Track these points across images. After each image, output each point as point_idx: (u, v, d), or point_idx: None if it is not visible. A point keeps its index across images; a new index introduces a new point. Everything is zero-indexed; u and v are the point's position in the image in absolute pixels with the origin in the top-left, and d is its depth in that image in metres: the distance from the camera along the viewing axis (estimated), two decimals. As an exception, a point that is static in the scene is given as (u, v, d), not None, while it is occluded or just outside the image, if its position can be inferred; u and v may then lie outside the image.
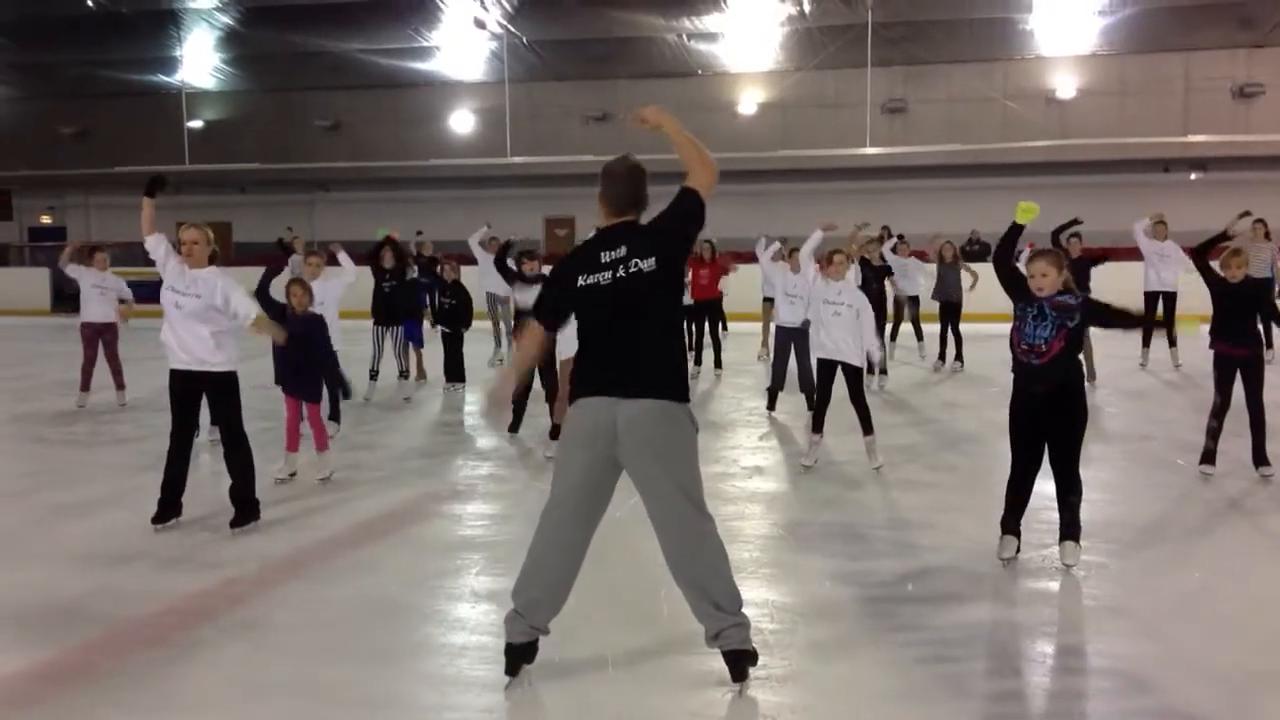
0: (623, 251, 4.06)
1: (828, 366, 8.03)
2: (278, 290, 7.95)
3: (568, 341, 4.71)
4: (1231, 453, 7.78)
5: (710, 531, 4.09)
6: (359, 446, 9.09)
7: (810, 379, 10.34)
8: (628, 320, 4.04)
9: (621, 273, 4.04)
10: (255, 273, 8.18)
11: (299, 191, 28.28)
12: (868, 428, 8.00)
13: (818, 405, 8.15)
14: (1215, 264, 7.72)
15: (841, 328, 7.93)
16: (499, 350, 14.83)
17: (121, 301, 11.23)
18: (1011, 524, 5.71)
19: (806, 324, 9.98)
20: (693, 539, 4.06)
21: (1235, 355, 7.47)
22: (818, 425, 8.13)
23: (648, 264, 4.03)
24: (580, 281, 4.09)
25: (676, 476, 4.03)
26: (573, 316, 4.22)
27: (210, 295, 6.32)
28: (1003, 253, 5.80)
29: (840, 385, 7.97)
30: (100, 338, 11.16)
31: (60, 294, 24.19)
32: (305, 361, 7.77)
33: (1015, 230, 5.76)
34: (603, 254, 4.09)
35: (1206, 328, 7.32)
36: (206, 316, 6.33)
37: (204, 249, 6.45)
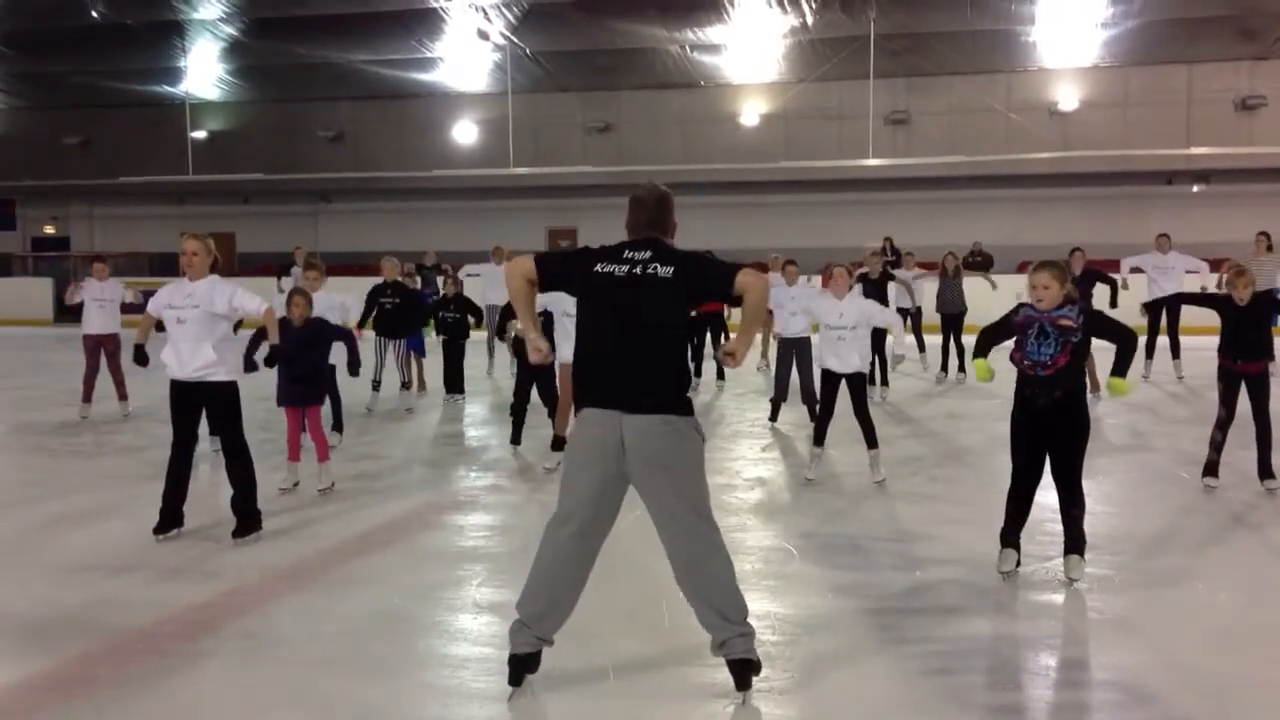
0: (647, 255, 4.12)
1: (831, 379, 8.01)
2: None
3: (567, 348, 4.72)
4: (1235, 465, 7.76)
5: (717, 543, 4.10)
6: (361, 457, 9.09)
7: (812, 390, 10.33)
8: (633, 323, 4.04)
9: (639, 271, 4.08)
10: (258, 283, 8.20)
11: (302, 202, 28.34)
12: (872, 441, 7.97)
13: (820, 418, 8.12)
14: (1206, 288, 7.79)
15: (848, 350, 7.92)
16: (493, 362, 14.85)
17: (125, 307, 11.30)
18: (1011, 537, 5.69)
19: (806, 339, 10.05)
20: (700, 550, 4.06)
21: (1243, 371, 7.46)
22: (819, 438, 8.11)
23: (665, 270, 4.06)
24: (598, 268, 4.13)
25: (684, 488, 4.04)
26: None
27: (209, 303, 6.31)
28: (979, 352, 5.89)
29: (844, 399, 7.96)
30: (102, 348, 11.19)
31: (63, 304, 24.21)
32: (312, 369, 7.79)
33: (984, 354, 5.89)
34: (626, 251, 4.16)
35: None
36: (209, 328, 6.31)
37: (204, 259, 6.42)
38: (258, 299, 6.51)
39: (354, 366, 8.18)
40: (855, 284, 12.60)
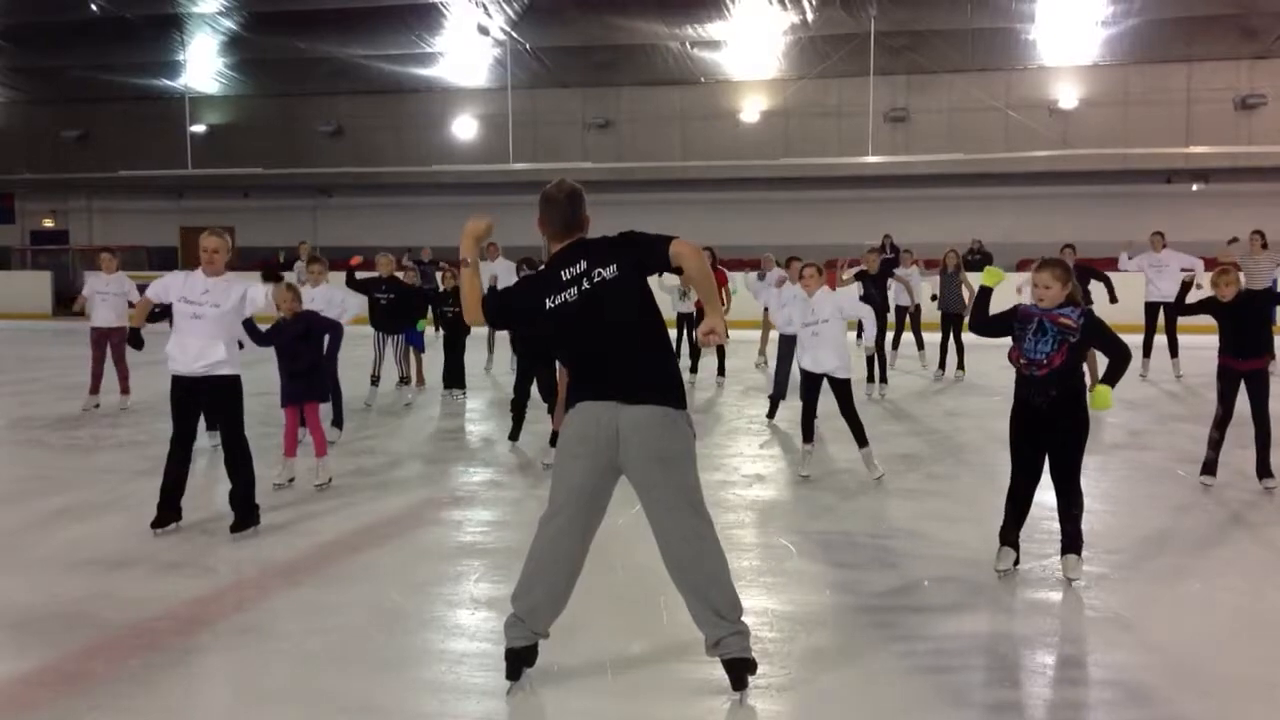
0: (583, 266, 4.11)
1: (811, 379, 8.02)
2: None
3: None
4: (1233, 464, 7.77)
5: (711, 538, 4.09)
6: (359, 452, 9.09)
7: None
8: (609, 329, 4.07)
9: (586, 285, 4.08)
10: (255, 277, 8.14)
11: (302, 196, 28.33)
12: (861, 440, 7.96)
13: (803, 416, 8.10)
14: (1197, 294, 7.83)
15: (822, 346, 7.91)
16: (492, 358, 14.87)
17: (131, 305, 11.30)
18: (1010, 535, 5.68)
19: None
20: (693, 546, 4.06)
21: (1241, 369, 7.46)
22: (807, 435, 8.11)
23: (609, 271, 4.08)
24: (549, 304, 4.13)
25: (678, 482, 4.04)
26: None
27: (230, 299, 6.36)
28: (978, 317, 5.81)
29: (832, 399, 7.95)
30: (108, 341, 11.23)
31: (62, 298, 24.25)
32: (309, 364, 7.78)
33: (985, 293, 5.78)
34: (563, 273, 4.13)
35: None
36: (224, 327, 6.35)
37: (224, 257, 6.46)
38: (265, 291, 6.56)
39: (329, 359, 8.15)
40: (854, 281, 12.66)
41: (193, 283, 6.43)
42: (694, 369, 13.58)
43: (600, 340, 4.09)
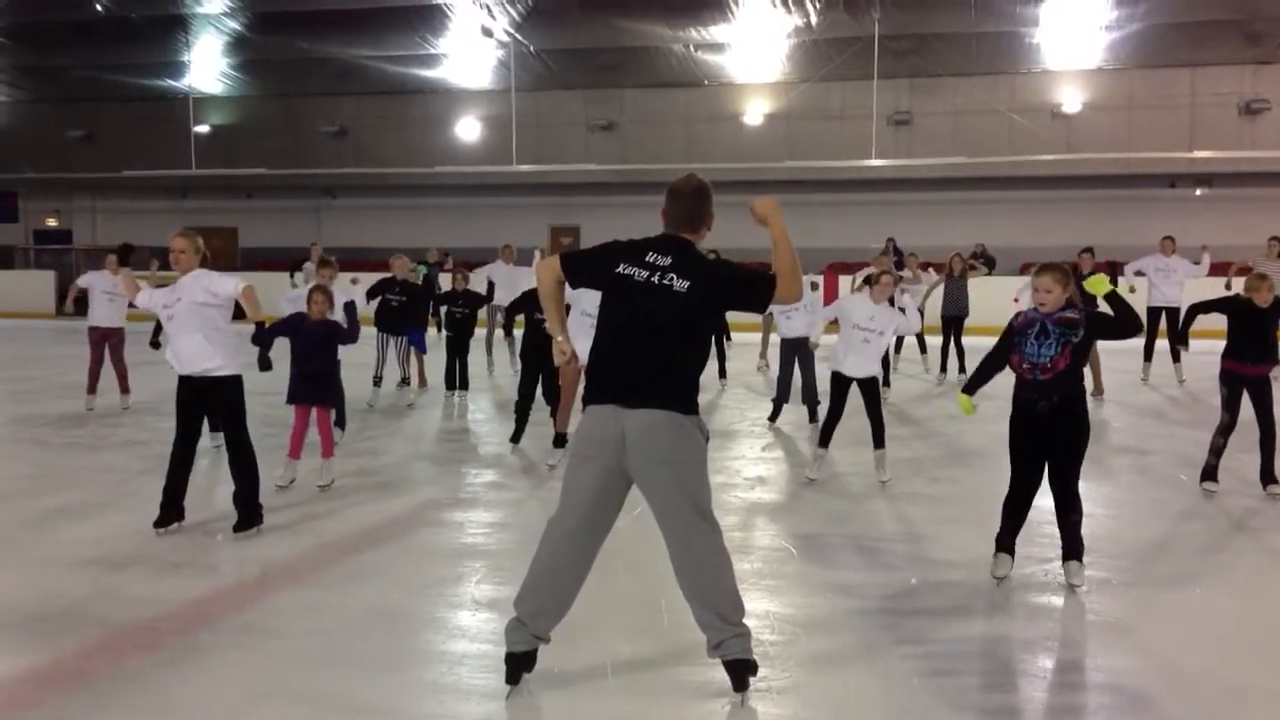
0: (667, 262, 4.11)
1: (843, 382, 7.99)
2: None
3: (579, 346, 4.72)
4: (1234, 469, 7.77)
5: (716, 541, 4.10)
6: (361, 453, 9.09)
7: (813, 391, 10.32)
8: (645, 326, 4.05)
9: (656, 280, 4.07)
10: (258, 277, 8.15)
11: (305, 197, 28.34)
12: (879, 441, 7.96)
13: (828, 420, 8.03)
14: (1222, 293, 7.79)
15: (870, 354, 7.93)
16: (492, 359, 14.89)
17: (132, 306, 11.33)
18: (1006, 542, 5.67)
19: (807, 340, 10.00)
20: (698, 548, 4.06)
21: (1248, 374, 7.46)
22: (824, 440, 8.06)
23: (681, 284, 4.05)
24: (620, 269, 4.14)
25: (684, 485, 4.03)
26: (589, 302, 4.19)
27: (191, 294, 6.32)
28: (982, 381, 5.87)
29: (855, 396, 7.95)
30: (106, 341, 11.23)
31: (65, 297, 24.26)
32: (323, 368, 7.79)
33: (971, 389, 5.89)
34: (649, 254, 4.15)
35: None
36: (197, 319, 6.31)
37: (191, 256, 6.40)
38: (233, 280, 6.45)
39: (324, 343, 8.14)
40: (864, 285, 12.65)
41: (172, 290, 6.45)
42: (722, 373, 13.52)
43: (632, 335, 4.07)
